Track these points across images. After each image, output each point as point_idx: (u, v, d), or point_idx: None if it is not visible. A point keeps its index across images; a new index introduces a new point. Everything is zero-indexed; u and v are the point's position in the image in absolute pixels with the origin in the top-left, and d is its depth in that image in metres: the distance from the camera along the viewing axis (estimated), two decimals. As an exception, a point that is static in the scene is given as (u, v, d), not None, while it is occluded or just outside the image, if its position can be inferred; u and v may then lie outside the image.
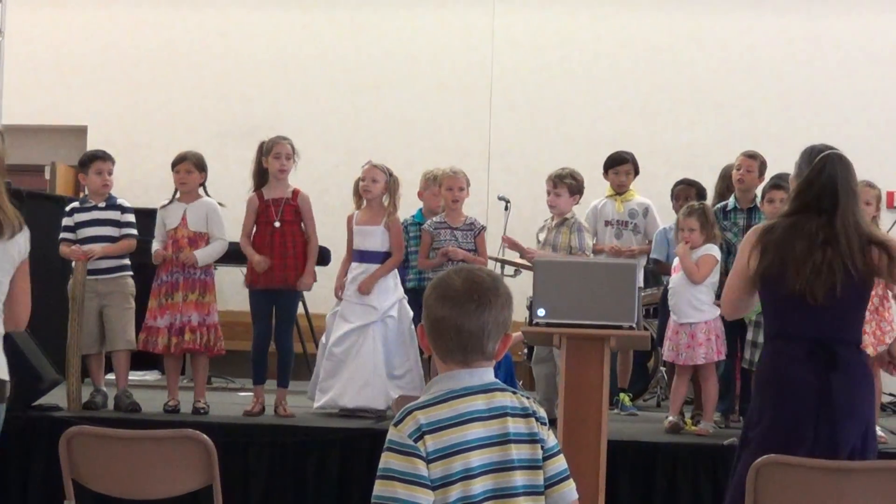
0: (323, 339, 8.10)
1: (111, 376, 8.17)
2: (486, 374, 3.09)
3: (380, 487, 2.93)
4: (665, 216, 9.08)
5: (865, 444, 4.60)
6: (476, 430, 2.99)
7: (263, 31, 12.61)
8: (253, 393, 7.98)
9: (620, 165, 8.99)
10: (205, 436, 4.23)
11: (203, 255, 7.82)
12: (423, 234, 8.18)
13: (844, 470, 4.13)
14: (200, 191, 8.03)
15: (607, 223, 8.87)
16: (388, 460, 2.94)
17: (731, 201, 8.30)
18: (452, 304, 3.03)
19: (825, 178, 4.71)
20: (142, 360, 8.83)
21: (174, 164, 7.98)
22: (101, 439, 4.30)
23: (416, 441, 2.93)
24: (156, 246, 7.91)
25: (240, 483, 7.00)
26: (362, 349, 7.82)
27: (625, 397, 8.66)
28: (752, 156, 8.28)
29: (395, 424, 2.98)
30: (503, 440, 3.02)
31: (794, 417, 4.58)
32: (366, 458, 7.03)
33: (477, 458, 2.97)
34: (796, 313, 4.63)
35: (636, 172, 9.09)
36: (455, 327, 3.03)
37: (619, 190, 8.97)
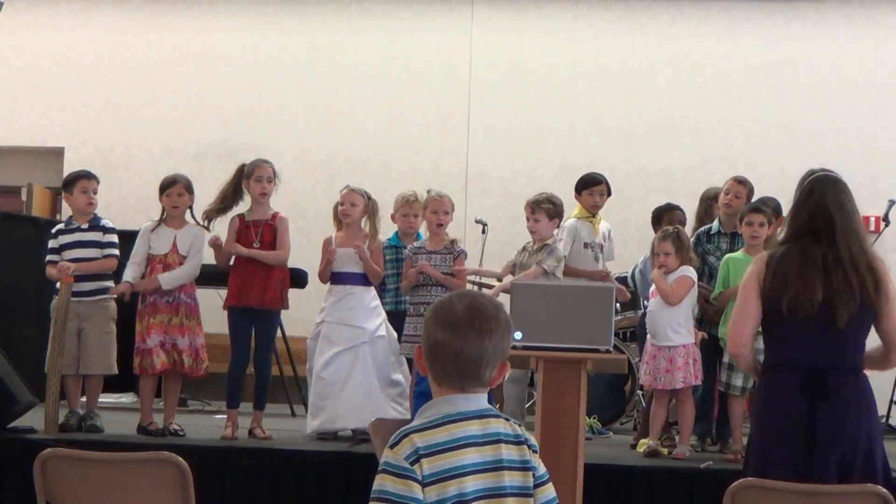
0: (309, 364, 7.98)
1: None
2: (482, 400, 3.09)
3: None
4: (641, 238, 9.06)
5: (870, 467, 4.57)
6: (471, 456, 2.98)
7: (241, 54, 12.61)
8: (227, 416, 7.94)
9: (595, 186, 8.89)
10: (180, 458, 4.21)
11: (168, 278, 7.77)
12: (405, 260, 8.15)
13: (819, 493, 4.13)
14: (187, 215, 8.02)
15: (586, 245, 8.83)
16: (383, 482, 2.93)
17: (714, 225, 8.28)
18: (453, 330, 3.01)
19: (815, 199, 4.72)
20: (117, 382, 8.78)
21: (164, 188, 7.93)
22: (75, 462, 4.26)
23: (412, 464, 2.92)
24: (131, 271, 7.82)
25: (215, 506, 6.97)
26: (354, 371, 7.79)
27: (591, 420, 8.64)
28: (741, 181, 8.25)
29: (391, 447, 2.97)
30: (497, 466, 3.02)
31: (780, 446, 4.57)
32: (342, 480, 7.02)
33: (471, 484, 2.96)
34: (797, 340, 4.62)
35: (608, 194, 9.06)
36: (454, 353, 3.01)
37: (594, 211, 8.92)
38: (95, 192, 8.07)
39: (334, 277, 7.96)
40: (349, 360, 7.80)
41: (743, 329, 4.81)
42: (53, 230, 8.11)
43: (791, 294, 4.59)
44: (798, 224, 4.75)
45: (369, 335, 7.86)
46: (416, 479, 2.91)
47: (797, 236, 4.73)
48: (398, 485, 2.91)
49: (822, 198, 4.72)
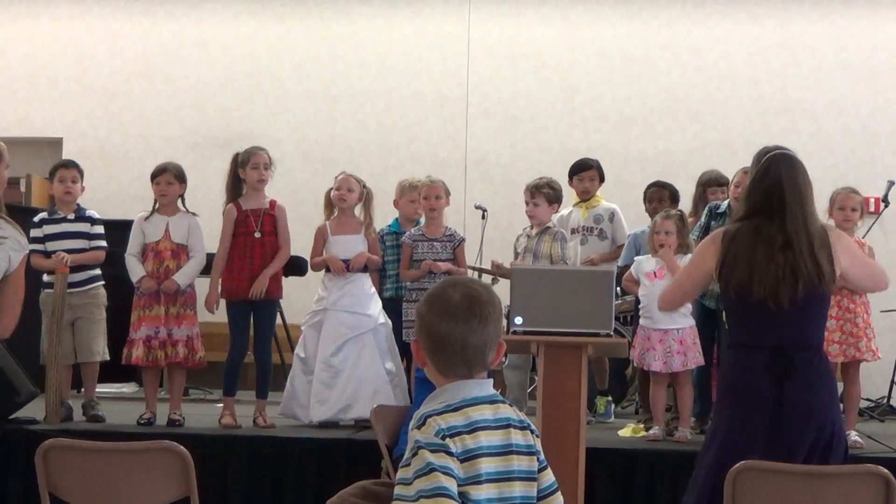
0: (300, 351, 8.02)
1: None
2: (490, 386, 3.15)
3: (424, 482, 2.92)
4: (641, 223, 9.08)
5: (829, 447, 4.60)
6: (486, 439, 3.03)
7: (239, 42, 12.59)
8: (224, 405, 7.93)
9: (584, 172, 8.92)
10: (182, 447, 4.21)
11: (183, 276, 7.77)
12: (403, 246, 8.16)
13: (819, 475, 4.14)
14: (179, 203, 8.00)
15: (573, 231, 8.84)
16: (423, 457, 2.94)
17: (724, 204, 8.20)
18: (456, 321, 3.05)
19: (771, 178, 4.71)
20: (119, 371, 8.79)
21: (154, 176, 7.93)
22: (77, 452, 4.27)
23: (443, 439, 2.96)
24: (133, 260, 7.82)
25: (218, 494, 6.97)
26: (362, 358, 7.80)
27: (602, 401, 8.62)
28: None
29: (418, 428, 3.00)
30: (507, 451, 3.06)
31: (748, 426, 4.59)
32: (345, 468, 7.01)
33: (485, 466, 3.01)
34: (759, 321, 4.63)
35: (601, 179, 9.04)
36: (461, 343, 3.06)
37: (584, 197, 8.92)
38: (75, 182, 8.03)
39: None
40: (356, 348, 7.81)
41: (674, 298, 5.17)
42: (36, 219, 8.07)
43: (740, 276, 4.62)
44: (752, 202, 4.75)
45: (373, 322, 7.87)
46: (450, 453, 2.95)
47: (751, 214, 4.73)
48: (438, 458, 2.94)
49: (777, 177, 4.70)
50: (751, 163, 4.90)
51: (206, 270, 8.08)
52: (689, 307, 7.53)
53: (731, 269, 4.65)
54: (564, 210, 8.96)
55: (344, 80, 12.46)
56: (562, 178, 8.81)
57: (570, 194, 9.12)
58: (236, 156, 7.94)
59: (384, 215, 8.72)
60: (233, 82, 12.53)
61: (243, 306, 7.85)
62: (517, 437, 3.09)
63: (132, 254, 7.85)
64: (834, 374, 4.84)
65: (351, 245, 7.90)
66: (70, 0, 12.78)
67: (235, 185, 7.93)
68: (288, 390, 7.93)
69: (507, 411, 3.12)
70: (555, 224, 8.29)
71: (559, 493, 3.18)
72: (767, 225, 4.65)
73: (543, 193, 8.11)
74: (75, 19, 12.75)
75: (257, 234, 7.81)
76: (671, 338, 7.45)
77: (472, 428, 3.01)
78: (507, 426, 3.08)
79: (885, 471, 4.03)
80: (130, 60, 12.64)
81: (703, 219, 8.11)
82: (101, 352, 7.99)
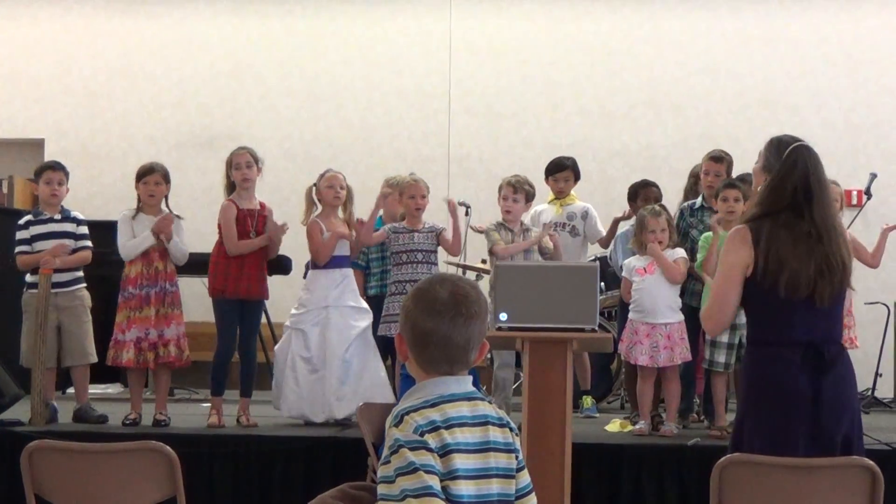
0: (302, 351, 7.89)
1: (72, 390, 8.11)
2: (469, 383, 3.14)
3: (408, 481, 2.92)
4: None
5: (859, 442, 4.58)
6: (463, 435, 3.02)
7: (221, 41, 12.57)
8: (211, 404, 7.93)
9: (560, 172, 8.89)
10: (168, 447, 4.21)
11: (175, 242, 7.78)
12: (380, 231, 8.17)
13: (806, 467, 4.14)
14: (163, 204, 7.98)
15: (545, 226, 8.85)
16: (404, 456, 2.94)
17: (699, 200, 8.24)
18: (441, 318, 3.05)
19: (799, 172, 4.61)
20: (103, 372, 8.78)
21: (141, 176, 7.91)
22: (63, 453, 4.27)
23: (421, 436, 2.95)
24: (132, 240, 7.79)
25: (205, 494, 6.97)
26: (368, 353, 7.88)
27: (587, 399, 8.64)
28: (718, 159, 8.13)
29: (396, 426, 2.99)
30: (485, 448, 3.06)
31: (788, 423, 4.52)
32: (330, 466, 7.02)
33: (460, 462, 3.00)
34: (796, 318, 4.54)
35: (577, 178, 9.00)
36: (444, 340, 3.05)
37: (559, 196, 8.92)
38: (60, 184, 8.02)
39: (329, 261, 7.94)
40: (363, 342, 7.87)
41: (723, 316, 4.67)
42: (22, 221, 8.05)
43: (788, 274, 4.49)
44: (778, 196, 4.63)
45: (370, 316, 7.93)
46: (430, 449, 2.95)
47: (778, 210, 4.61)
48: (419, 456, 2.94)
49: (805, 170, 4.62)
50: (765, 153, 4.78)
51: (198, 271, 8.08)
52: (678, 301, 7.56)
53: (777, 269, 4.51)
54: (538, 206, 8.93)
55: (326, 77, 12.45)
56: (543, 174, 8.83)
57: (544, 191, 9.09)
58: (228, 159, 8.00)
59: (368, 212, 8.71)
60: (215, 81, 12.50)
61: (232, 305, 7.85)
62: (495, 434, 3.09)
63: (129, 240, 7.83)
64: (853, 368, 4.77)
65: (342, 241, 7.92)
66: (51, 0, 12.73)
67: (231, 188, 7.98)
68: (294, 391, 7.86)
69: (486, 408, 3.12)
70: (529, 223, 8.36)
71: (533, 494, 3.18)
72: (796, 220, 4.56)
73: (525, 191, 8.15)
74: (56, 19, 12.71)
75: (252, 235, 7.83)
76: (658, 332, 7.47)
77: (449, 424, 3.00)
78: (486, 423, 3.08)
79: (871, 463, 4.04)
80: (112, 60, 12.61)
81: (676, 219, 8.11)
82: (88, 353, 7.98)
